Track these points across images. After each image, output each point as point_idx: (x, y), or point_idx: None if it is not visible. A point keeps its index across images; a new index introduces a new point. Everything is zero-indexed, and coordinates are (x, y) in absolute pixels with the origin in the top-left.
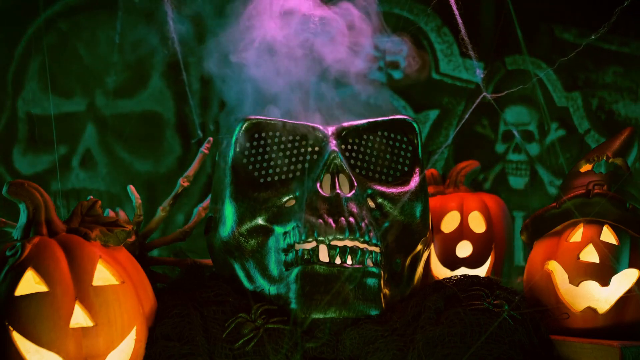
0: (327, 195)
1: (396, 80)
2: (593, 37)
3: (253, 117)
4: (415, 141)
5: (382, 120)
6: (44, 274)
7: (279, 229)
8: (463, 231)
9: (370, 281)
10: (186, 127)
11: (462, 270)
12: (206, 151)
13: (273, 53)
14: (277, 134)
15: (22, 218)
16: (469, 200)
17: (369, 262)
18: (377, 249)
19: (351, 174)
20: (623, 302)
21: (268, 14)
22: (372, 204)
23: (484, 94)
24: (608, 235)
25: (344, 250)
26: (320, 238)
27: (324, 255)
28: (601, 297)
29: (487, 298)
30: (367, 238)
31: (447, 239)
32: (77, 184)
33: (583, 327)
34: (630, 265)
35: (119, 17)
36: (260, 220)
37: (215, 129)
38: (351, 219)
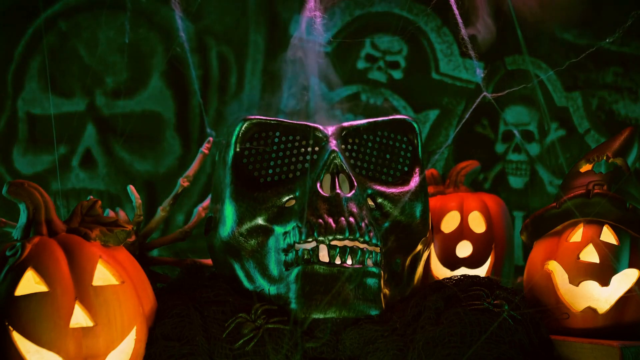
0: (327, 195)
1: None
2: (608, 40)
3: (253, 117)
4: (415, 141)
5: (382, 120)
6: (44, 274)
7: (279, 229)
8: (463, 231)
9: (370, 281)
10: (187, 127)
11: (462, 270)
12: (206, 151)
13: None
14: (277, 134)
15: (22, 218)
16: (469, 200)
17: (369, 262)
18: (377, 249)
19: (351, 174)
20: (623, 302)
21: None
22: (372, 204)
23: (484, 93)
24: (608, 235)
25: (344, 250)
26: (320, 238)
27: (324, 255)
28: (601, 297)
29: (487, 298)
30: (367, 238)
31: (447, 239)
32: (77, 184)
33: (583, 327)
34: (630, 265)
35: (127, 16)
36: (260, 220)
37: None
38: (351, 219)
